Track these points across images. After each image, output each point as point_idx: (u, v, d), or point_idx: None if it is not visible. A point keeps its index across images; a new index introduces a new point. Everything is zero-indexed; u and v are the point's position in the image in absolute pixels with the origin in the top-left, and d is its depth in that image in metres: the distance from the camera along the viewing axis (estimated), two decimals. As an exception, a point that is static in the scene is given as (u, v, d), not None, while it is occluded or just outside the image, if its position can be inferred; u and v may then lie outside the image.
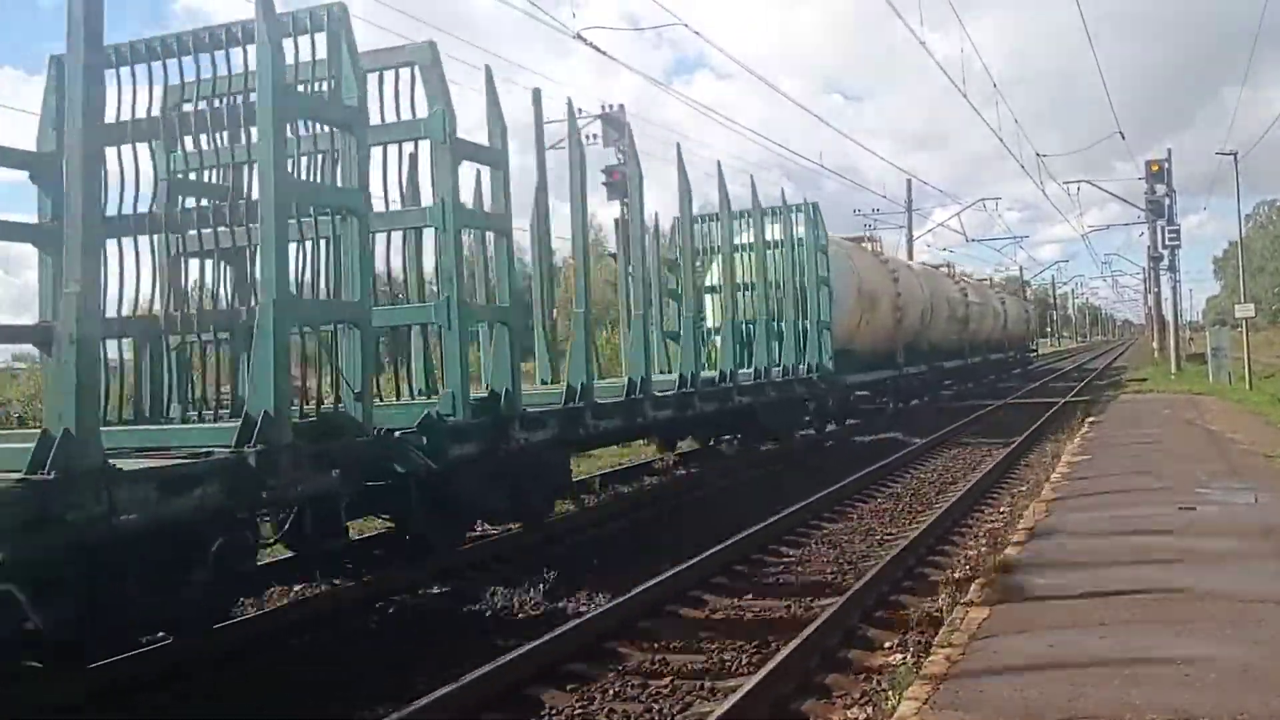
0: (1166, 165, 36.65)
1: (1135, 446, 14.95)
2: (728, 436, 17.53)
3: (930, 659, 5.57)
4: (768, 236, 17.18)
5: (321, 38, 7.42)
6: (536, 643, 6.20)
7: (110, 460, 5.50)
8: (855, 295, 20.65)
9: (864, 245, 24.65)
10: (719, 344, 16.10)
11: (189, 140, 7.97)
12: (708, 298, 17.70)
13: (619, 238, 21.89)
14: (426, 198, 9.12)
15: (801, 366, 17.29)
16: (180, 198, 8.17)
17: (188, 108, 7.88)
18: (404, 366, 9.86)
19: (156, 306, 7.94)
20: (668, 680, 5.99)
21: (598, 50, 18.65)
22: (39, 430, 5.46)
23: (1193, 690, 4.72)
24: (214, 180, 8.35)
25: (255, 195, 7.13)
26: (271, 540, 7.26)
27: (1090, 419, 19.52)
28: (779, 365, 16.58)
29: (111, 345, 7.71)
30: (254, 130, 7.17)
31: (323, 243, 7.82)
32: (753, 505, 11.56)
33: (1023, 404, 26.95)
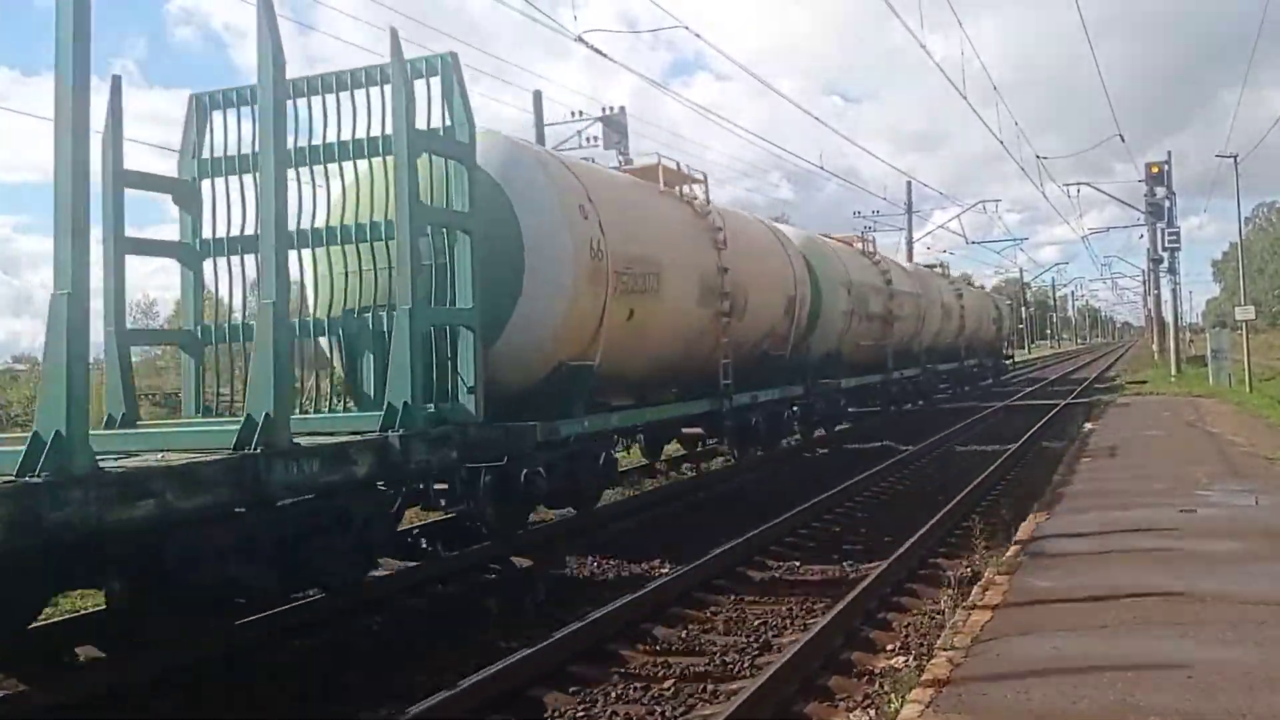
0: (1166, 168, 36.69)
1: (1136, 448, 14.95)
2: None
3: (933, 662, 5.56)
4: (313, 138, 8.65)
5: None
6: None
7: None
8: (586, 259, 10.20)
9: (657, 184, 13.14)
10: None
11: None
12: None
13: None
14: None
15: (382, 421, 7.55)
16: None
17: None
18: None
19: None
20: None
21: (598, 53, 18.61)
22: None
23: (1196, 693, 4.71)
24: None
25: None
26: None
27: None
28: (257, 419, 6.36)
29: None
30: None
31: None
32: None
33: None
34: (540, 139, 24.70)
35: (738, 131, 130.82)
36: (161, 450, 6.44)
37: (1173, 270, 39.23)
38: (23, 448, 5.10)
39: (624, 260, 10.97)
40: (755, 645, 6.77)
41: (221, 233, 8.70)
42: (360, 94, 8.45)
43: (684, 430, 15.17)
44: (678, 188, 13.69)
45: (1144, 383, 33.36)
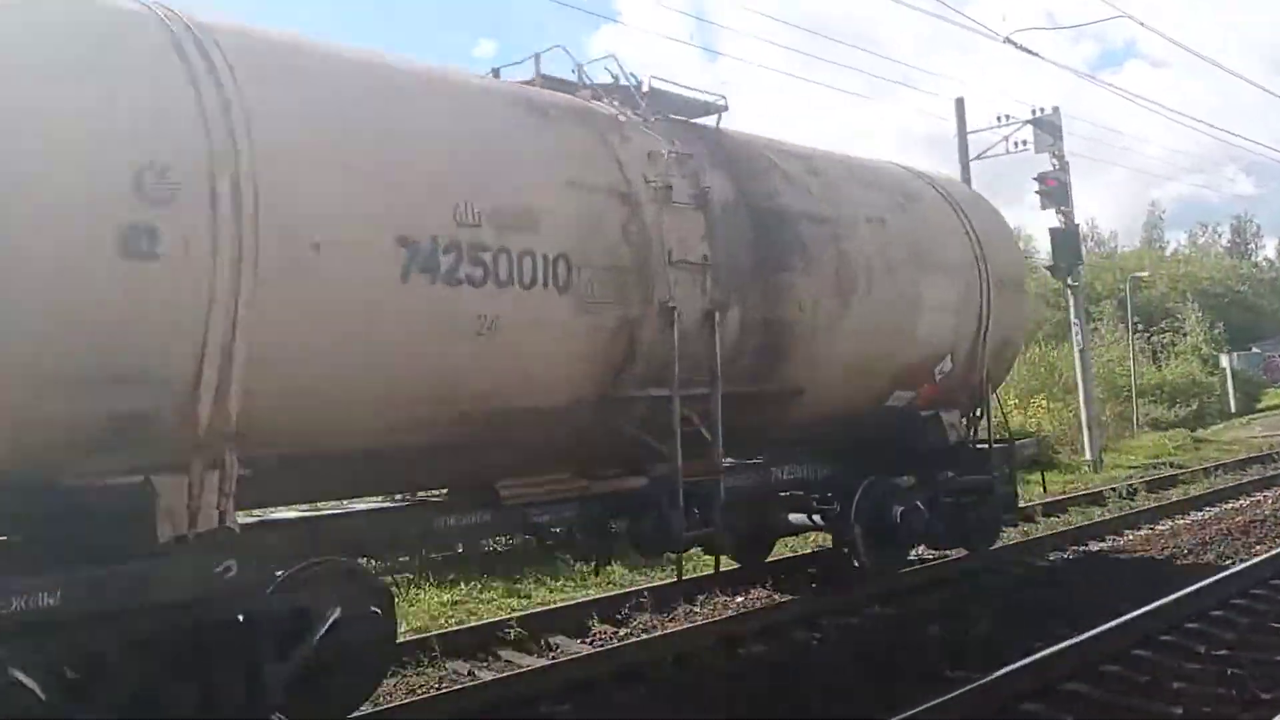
0: None
1: None
2: None
3: None
4: None
5: None
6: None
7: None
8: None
9: None
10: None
11: None
12: None
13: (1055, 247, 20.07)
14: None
15: None
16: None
17: None
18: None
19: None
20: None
21: (1029, 52, 17.06)
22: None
23: None
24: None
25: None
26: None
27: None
28: None
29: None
30: None
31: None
32: None
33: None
34: (964, 149, 22.26)
35: (1182, 120, 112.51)
36: None
37: None
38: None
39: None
40: None
41: None
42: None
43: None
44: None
45: None
